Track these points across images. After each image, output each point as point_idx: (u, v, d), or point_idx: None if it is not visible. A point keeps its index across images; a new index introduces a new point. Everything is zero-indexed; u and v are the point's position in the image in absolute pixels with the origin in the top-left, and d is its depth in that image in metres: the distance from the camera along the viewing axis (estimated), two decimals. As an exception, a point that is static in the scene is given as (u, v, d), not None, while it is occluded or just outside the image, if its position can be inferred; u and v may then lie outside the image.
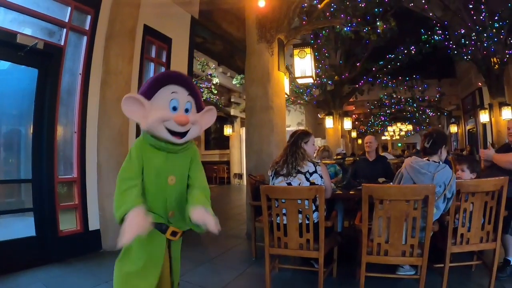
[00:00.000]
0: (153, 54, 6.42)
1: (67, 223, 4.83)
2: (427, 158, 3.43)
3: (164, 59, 6.68)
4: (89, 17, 5.12)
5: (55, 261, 4.47)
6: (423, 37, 13.23)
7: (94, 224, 5.05)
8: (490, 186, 3.10)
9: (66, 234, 4.75)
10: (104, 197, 5.06)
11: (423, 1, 10.56)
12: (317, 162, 3.54)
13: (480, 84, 14.99)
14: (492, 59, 11.55)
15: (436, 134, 3.50)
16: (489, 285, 3.24)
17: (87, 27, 5.10)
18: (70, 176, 4.94)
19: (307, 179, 3.42)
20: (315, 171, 3.46)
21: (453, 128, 21.09)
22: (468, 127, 20.11)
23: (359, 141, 29.25)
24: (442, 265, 3.19)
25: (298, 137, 3.61)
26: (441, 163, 3.34)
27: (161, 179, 2.11)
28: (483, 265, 3.63)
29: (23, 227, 4.51)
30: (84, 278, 3.99)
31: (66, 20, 4.83)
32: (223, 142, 17.97)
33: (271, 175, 3.62)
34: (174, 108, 2.01)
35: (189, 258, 4.64)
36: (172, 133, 2.00)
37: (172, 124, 1.98)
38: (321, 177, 3.47)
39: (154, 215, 2.06)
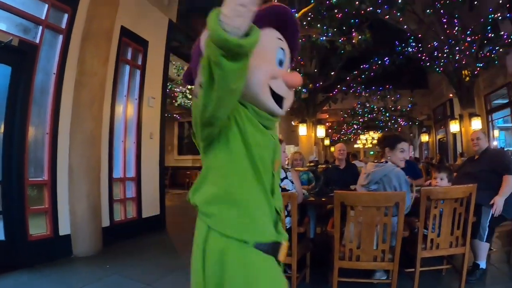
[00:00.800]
0: (129, 56, 6.36)
1: (37, 228, 4.68)
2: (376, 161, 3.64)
3: (140, 62, 6.62)
4: (66, 16, 5.01)
5: (24, 267, 4.32)
6: (397, 48, 13.55)
7: (64, 229, 4.91)
8: (459, 193, 3.19)
9: (36, 239, 4.61)
10: (76, 201, 4.94)
11: (398, 14, 10.80)
12: (287, 168, 3.57)
13: (451, 95, 15.43)
14: (463, 72, 11.91)
15: (381, 138, 3.78)
16: (459, 289, 3.31)
17: (63, 26, 4.99)
18: (40, 179, 4.80)
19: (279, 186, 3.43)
20: (286, 177, 3.51)
21: (424, 137, 21.66)
22: (438, 137, 20.68)
23: (332, 148, 29.58)
24: (413, 269, 3.25)
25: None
26: (389, 163, 3.53)
27: (266, 165, 1.31)
28: (453, 269, 3.73)
29: (-9, 231, 4.35)
30: (54, 285, 3.89)
31: (43, 18, 4.71)
32: (197, 148, 17.64)
33: None
34: (280, 63, 1.37)
35: (160, 265, 4.58)
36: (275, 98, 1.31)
37: (280, 85, 1.30)
38: (292, 182, 3.51)
39: (261, 225, 1.29)
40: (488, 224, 3.69)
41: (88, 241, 5.00)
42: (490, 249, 4.01)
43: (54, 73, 4.91)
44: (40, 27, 4.71)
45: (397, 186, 3.35)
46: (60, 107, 4.94)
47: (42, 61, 4.80)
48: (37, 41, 4.68)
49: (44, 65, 4.84)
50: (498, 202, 3.65)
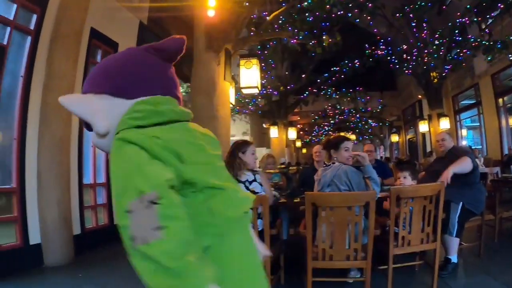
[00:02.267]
0: (98, 58, 6.25)
1: (6, 237, 4.54)
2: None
3: (109, 64, 6.51)
4: (34, 16, 4.90)
5: (-6, 278, 4.17)
6: (367, 51, 13.81)
7: (35, 237, 4.75)
8: (428, 191, 3.28)
9: (5, 249, 4.45)
10: (45, 209, 4.79)
11: (369, 18, 11.01)
12: (256, 171, 3.57)
13: (420, 96, 15.87)
14: (431, 74, 12.28)
15: (325, 141, 3.88)
16: (432, 283, 3.40)
17: (32, 27, 4.88)
18: (8, 186, 4.65)
19: (247, 188, 3.46)
20: (254, 180, 3.50)
21: (394, 138, 22.18)
22: (408, 137, 21.24)
23: (304, 150, 29.83)
24: (386, 266, 3.31)
25: (235, 148, 3.65)
26: (336, 163, 3.61)
27: None
28: (426, 264, 3.84)
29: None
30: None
31: (11, 18, 4.59)
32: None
33: None
34: None
35: (134, 273, 4.49)
36: None
37: None
38: (261, 185, 3.50)
39: None
40: (457, 219, 3.81)
41: (59, 250, 4.86)
42: (460, 244, 4.13)
43: (21, 76, 4.78)
44: (8, 28, 4.58)
45: (348, 181, 3.40)
46: (28, 111, 4.80)
47: (10, 63, 4.67)
48: (5, 42, 4.55)
49: (11, 67, 4.70)
50: (448, 174, 3.64)
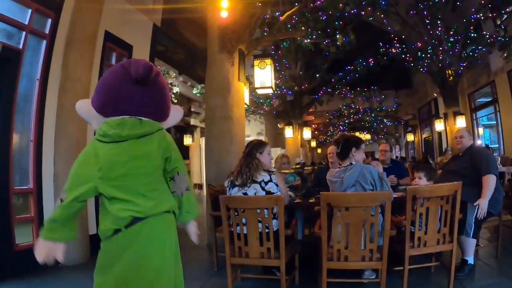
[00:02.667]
0: (113, 61, 6.30)
1: (23, 237, 4.59)
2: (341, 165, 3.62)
3: (124, 67, 6.56)
4: (49, 21, 4.96)
5: (11, 277, 4.26)
6: (381, 50, 13.66)
7: (51, 237, 4.84)
8: (445, 191, 3.23)
9: (22, 248, 4.51)
10: (61, 208, 4.88)
11: (382, 16, 10.91)
12: (272, 171, 3.58)
13: (435, 94, 15.65)
14: (447, 71, 12.06)
15: (343, 140, 3.68)
16: (448, 285, 3.34)
17: (47, 31, 4.94)
18: (25, 187, 4.73)
19: (263, 188, 3.47)
20: (270, 180, 3.50)
21: (410, 137, 21.89)
22: (424, 136, 20.96)
23: (319, 150, 29.71)
24: (402, 267, 3.28)
25: (253, 148, 3.65)
26: (357, 163, 3.52)
27: None
28: (442, 266, 3.78)
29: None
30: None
31: (26, 23, 4.65)
32: (183, 152, 17.54)
33: (227, 186, 3.64)
34: None
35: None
36: None
37: None
38: (277, 185, 3.51)
39: None
40: (474, 220, 3.74)
41: (75, 249, 4.92)
42: (477, 245, 4.06)
43: (37, 79, 4.85)
44: (24, 33, 4.64)
45: (373, 181, 3.37)
46: (44, 113, 4.88)
47: (26, 67, 4.73)
48: (21, 46, 4.61)
49: (27, 71, 4.77)
50: (482, 205, 3.69)
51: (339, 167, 3.62)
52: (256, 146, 3.66)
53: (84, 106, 1.85)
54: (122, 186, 1.78)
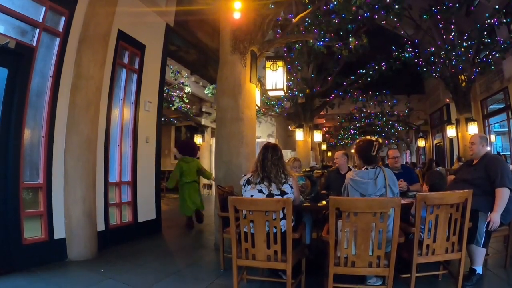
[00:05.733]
0: (125, 60, 6.37)
1: (32, 231, 4.66)
2: (365, 167, 3.57)
3: (136, 66, 6.63)
4: (63, 19, 5.01)
5: (18, 270, 4.30)
6: (394, 54, 13.57)
7: (59, 232, 4.89)
8: (455, 199, 3.19)
9: (30, 242, 4.58)
10: (71, 205, 4.93)
11: (395, 19, 10.84)
12: (288, 174, 3.60)
13: (447, 100, 15.50)
14: (459, 77, 11.95)
15: (368, 142, 3.65)
16: (455, 294, 3.30)
17: (60, 29, 4.99)
18: (36, 182, 4.78)
19: (279, 188, 3.52)
20: (286, 182, 3.54)
21: (421, 142, 21.72)
22: (435, 141, 20.76)
23: (329, 153, 29.59)
24: (409, 275, 3.25)
25: (278, 149, 3.72)
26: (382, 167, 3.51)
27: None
28: (449, 274, 3.73)
29: (-15, 233, 4.31)
30: (48, 289, 3.86)
31: (40, 20, 4.70)
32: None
33: (243, 184, 3.69)
34: None
35: (155, 270, 4.58)
36: None
37: None
38: (291, 187, 3.53)
39: None
40: (485, 229, 3.68)
41: (83, 245, 4.98)
42: (486, 254, 3.99)
43: (50, 76, 4.90)
44: (37, 30, 4.69)
45: (395, 186, 3.37)
46: (56, 110, 4.93)
47: (39, 63, 4.78)
48: (34, 43, 4.67)
49: (40, 67, 4.82)
50: (494, 219, 3.64)
51: (365, 169, 3.57)
52: (278, 148, 3.74)
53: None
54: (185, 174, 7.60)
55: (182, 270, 4.62)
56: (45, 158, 4.83)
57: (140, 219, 6.59)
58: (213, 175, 7.05)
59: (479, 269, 3.76)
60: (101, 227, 5.52)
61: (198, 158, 8.44)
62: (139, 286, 3.95)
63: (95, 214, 5.26)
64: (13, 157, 4.43)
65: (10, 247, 4.35)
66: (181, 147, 8.18)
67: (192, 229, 7.49)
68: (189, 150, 8.07)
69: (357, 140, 3.87)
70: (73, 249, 4.92)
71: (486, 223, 3.68)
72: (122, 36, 6.05)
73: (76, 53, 5.10)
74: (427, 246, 3.24)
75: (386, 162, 5.89)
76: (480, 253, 3.74)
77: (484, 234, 3.69)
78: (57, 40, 4.97)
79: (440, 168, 11.67)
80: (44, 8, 4.74)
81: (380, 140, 3.89)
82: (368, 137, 3.93)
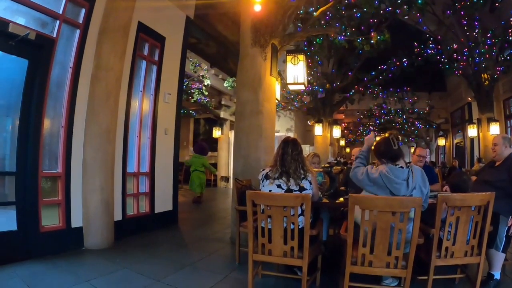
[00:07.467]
0: (145, 52, 6.39)
1: (50, 219, 4.74)
2: (396, 164, 3.33)
3: (156, 58, 6.65)
4: (83, 10, 5.05)
5: (35, 257, 4.38)
6: (416, 50, 13.34)
7: (76, 221, 4.96)
8: (477, 201, 3.11)
9: (48, 230, 4.67)
10: (89, 194, 5.00)
11: (418, 15, 10.64)
12: (308, 170, 3.57)
13: (469, 99, 15.15)
14: (482, 75, 11.67)
15: (391, 135, 3.47)
16: (472, 299, 3.23)
17: (80, 20, 5.02)
18: (54, 171, 4.85)
19: (297, 184, 3.49)
20: (305, 177, 3.52)
21: (441, 141, 21.33)
22: (456, 141, 20.36)
23: (348, 149, 29.36)
24: (426, 277, 3.19)
25: (299, 145, 3.69)
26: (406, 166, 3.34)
27: None
28: (467, 278, 3.65)
29: (4, 220, 4.37)
30: (64, 276, 3.92)
31: (60, 12, 4.74)
32: (212, 144, 17.81)
33: (261, 179, 3.68)
34: None
35: (171, 261, 4.60)
36: None
37: None
38: (310, 183, 3.51)
39: None
40: (505, 234, 3.59)
41: (99, 234, 5.04)
42: (505, 260, 3.86)
43: (70, 67, 4.94)
44: (58, 22, 4.73)
45: (425, 187, 3.29)
46: (75, 100, 4.98)
47: (59, 55, 4.83)
48: (54, 35, 4.71)
49: (60, 59, 4.87)
50: None
51: (398, 166, 3.32)
52: (299, 144, 3.71)
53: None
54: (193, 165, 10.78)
55: (197, 262, 4.63)
56: (64, 147, 4.89)
57: (157, 210, 6.65)
58: (216, 171, 12.94)
59: (497, 275, 3.67)
60: (118, 217, 5.58)
61: (207, 155, 11.73)
62: (154, 276, 3.98)
63: (113, 204, 5.32)
64: (32, 146, 4.50)
65: (27, 234, 4.44)
66: (195, 148, 11.86)
67: (200, 204, 10.48)
68: (200, 150, 11.29)
69: (374, 144, 3.70)
70: (89, 238, 4.99)
71: (507, 227, 3.59)
72: (142, 28, 6.07)
73: (96, 44, 5.13)
74: (446, 248, 3.17)
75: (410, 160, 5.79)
76: (499, 258, 3.65)
77: (504, 239, 3.59)
78: (77, 32, 5.01)
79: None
80: (64, 1, 4.78)
81: (394, 131, 3.76)
82: (379, 137, 3.78)
